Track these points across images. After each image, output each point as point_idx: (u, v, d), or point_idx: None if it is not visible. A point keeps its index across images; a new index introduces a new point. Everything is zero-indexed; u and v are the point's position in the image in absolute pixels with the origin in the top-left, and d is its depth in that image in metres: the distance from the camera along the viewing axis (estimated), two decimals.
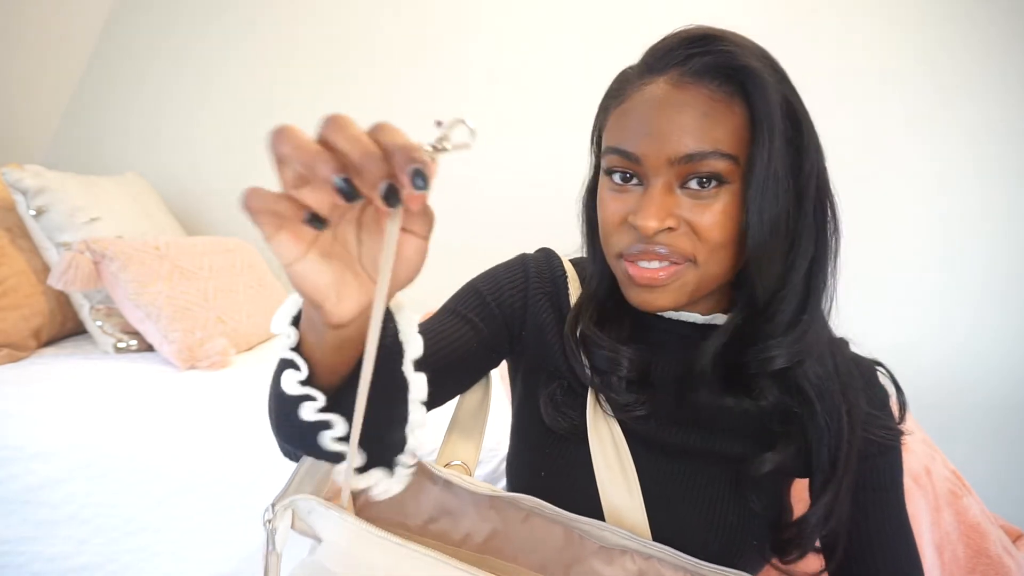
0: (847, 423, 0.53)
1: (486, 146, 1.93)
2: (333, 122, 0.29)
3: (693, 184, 0.50)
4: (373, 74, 2.02)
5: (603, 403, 0.58)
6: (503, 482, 0.74)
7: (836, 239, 0.54)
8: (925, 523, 0.95)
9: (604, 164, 0.54)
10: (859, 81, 1.79)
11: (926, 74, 1.77)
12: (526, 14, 1.91)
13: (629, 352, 0.56)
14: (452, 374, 0.59)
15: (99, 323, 1.42)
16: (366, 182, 0.28)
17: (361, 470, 0.41)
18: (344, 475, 0.39)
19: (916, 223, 1.84)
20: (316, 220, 0.31)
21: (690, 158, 0.48)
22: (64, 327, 1.49)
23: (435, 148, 0.31)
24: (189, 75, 2.09)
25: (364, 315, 0.35)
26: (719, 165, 0.48)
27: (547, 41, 1.91)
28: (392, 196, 0.29)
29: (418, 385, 0.41)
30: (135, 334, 1.43)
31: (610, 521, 0.54)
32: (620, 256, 0.53)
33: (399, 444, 0.42)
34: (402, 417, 0.41)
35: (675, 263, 0.51)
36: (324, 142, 0.29)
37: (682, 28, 0.53)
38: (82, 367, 1.31)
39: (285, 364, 0.38)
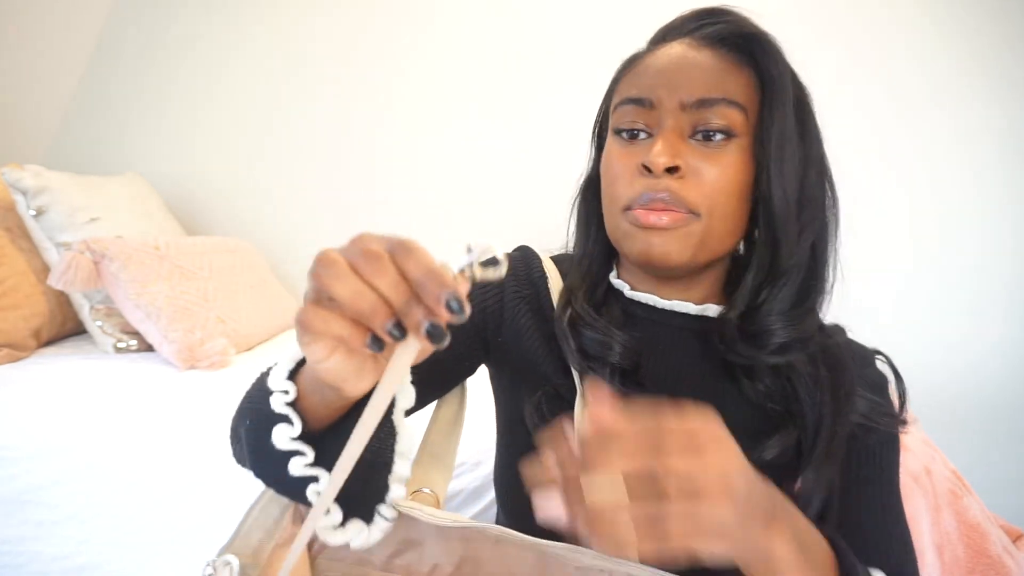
0: (836, 406, 0.51)
1: (484, 143, 1.93)
2: (369, 260, 0.30)
3: (702, 136, 0.50)
4: (373, 73, 2.02)
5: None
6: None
7: (835, 215, 0.54)
8: (925, 523, 0.95)
9: (613, 123, 0.54)
10: (876, 77, 1.79)
11: (956, 61, 1.76)
12: (526, 12, 1.91)
13: (622, 336, 0.53)
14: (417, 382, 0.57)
15: (99, 323, 1.42)
16: (410, 324, 0.30)
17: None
18: (297, 542, 0.36)
19: (914, 221, 1.84)
20: (377, 342, 0.31)
21: (702, 103, 0.49)
22: (64, 327, 1.49)
23: (463, 274, 0.31)
24: (189, 75, 2.09)
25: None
26: (730, 114, 0.49)
27: (543, 37, 1.91)
28: (437, 335, 0.30)
29: (407, 437, 0.42)
30: (135, 334, 1.43)
31: None
32: (627, 208, 0.52)
33: (380, 492, 0.42)
34: (385, 464, 0.41)
35: (679, 213, 0.50)
36: (358, 272, 0.30)
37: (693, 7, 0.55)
38: (82, 367, 1.31)
39: (278, 418, 0.39)
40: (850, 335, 0.59)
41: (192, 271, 1.45)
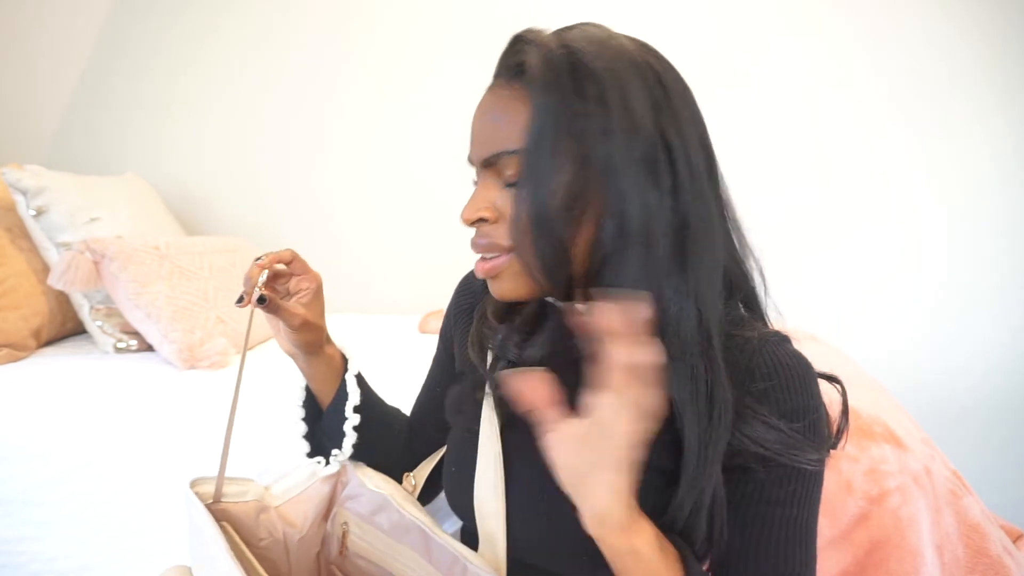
0: (710, 428, 0.49)
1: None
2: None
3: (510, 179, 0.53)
4: (371, 73, 2.02)
5: (488, 394, 0.60)
6: None
7: (620, 216, 0.51)
8: (925, 523, 0.95)
9: None
10: (894, 80, 1.80)
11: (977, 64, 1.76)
12: (527, 14, 1.92)
13: (516, 338, 0.59)
14: (431, 413, 0.74)
15: (99, 323, 1.42)
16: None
17: (311, 454, 0.72)
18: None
19: (912, 224, 1.84)
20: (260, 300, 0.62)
21: (487, 162, 0.53)
22: (64, 327, 1.50)
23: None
24: (189, 75, 2.09)
25: (324, 362, 0.70)
26: (511, 161, 0.51)
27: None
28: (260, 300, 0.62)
29: (355, 396, 0.68)
30: (135, 334, 1.43)
31: (478, 517, 0.58)
32: None
33: (338, 439, 0.69)
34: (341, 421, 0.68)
35: (497, 255, 0.54)
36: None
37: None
38: (82, 367, 1.31)
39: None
40: (810, 343, 0.56)
41: (192, 271, 1.45)
